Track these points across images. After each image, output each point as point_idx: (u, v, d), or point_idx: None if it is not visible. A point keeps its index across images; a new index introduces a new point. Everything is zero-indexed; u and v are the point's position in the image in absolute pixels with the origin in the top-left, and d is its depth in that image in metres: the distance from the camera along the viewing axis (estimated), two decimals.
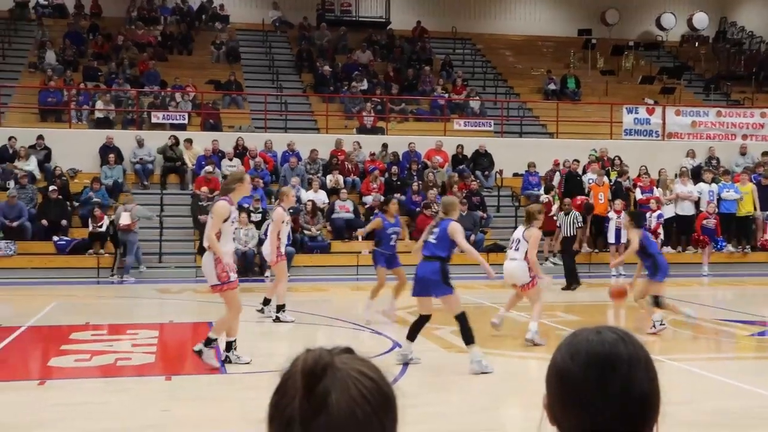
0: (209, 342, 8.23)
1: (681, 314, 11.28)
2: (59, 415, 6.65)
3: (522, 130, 25.00)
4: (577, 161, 21.07)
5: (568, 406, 1.45)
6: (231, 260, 8.22)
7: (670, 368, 8.25)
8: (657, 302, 10.86)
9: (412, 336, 8.64)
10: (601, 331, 1.50)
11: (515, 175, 22.51)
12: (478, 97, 25.90)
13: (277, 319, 11.52)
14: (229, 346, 8.47)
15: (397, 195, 20.64)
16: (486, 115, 25.08)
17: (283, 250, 11.77)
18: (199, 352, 8.23)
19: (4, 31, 26.39)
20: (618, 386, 1.43)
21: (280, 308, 11.60)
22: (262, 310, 11.90)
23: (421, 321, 8.63)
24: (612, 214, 19.02)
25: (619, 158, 22.12)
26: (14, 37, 26.37)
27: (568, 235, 16.31)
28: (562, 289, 15.75)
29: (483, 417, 6.80)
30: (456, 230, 8.35)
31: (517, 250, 10.11)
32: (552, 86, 27.21)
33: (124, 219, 17.44)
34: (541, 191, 20.90)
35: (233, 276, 8.14)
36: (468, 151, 22.53)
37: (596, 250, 19.87)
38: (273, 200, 19.99)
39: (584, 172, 21.10)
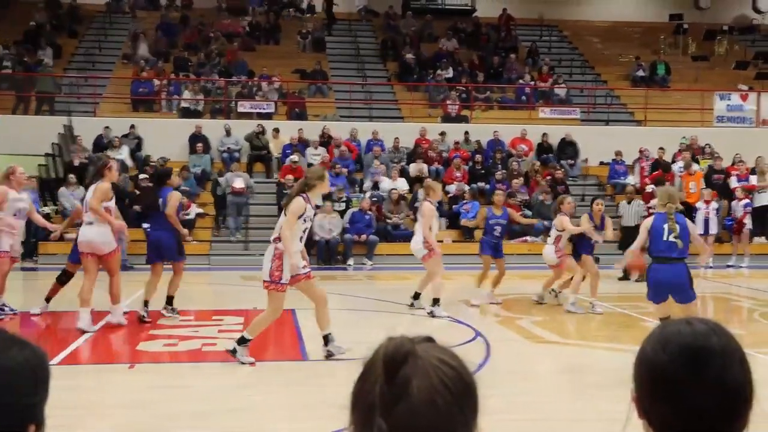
0: (243, 341, 7.93)
1: None
2: (149, 397, 6.84)
3: (609, 117, 24.52)
4: (662, 149, 20.55)
5: (659, 398, 1.42)
6: (298, 260, 7.83)
7: (762, 362, 7.97)
8: None
9: None
10: (692, 323, 1.46)
11: (602, 163, 22.10)
12: (564, 85, 25.50)
13: (431, 314, 11.00)
14: (326, 339, 8.18)
15: (482, 184, 20.60)
16: (572, 103, 24.68)
17: (434, 244, 11.38)
18: (233, 351, 7.91)
19: (101, 25, 27.26)
20: (713, 378, 1.39)
21: (436, 302, 11.10)
22: (411, 305, 11.66)
23: None
24: (701, 204, 18.47)
25: (710, 146, 21.48)
26: (109, 29, 27.21)
27: (631, 224, 15.38)
28: (619, 279, 14.93)
29: (566, 407, 6.71)
30: (694, 227, 7.63)
31: (549, 236, 11.87)
32: (641, 73, 26.59)
33: (239, 183, 18.62)
34: (628, 179, 20.47)
35: (285, 278, 7.76)
36: (553, 140, 22.22)
37: None
38: (356, 188, 20.14)
39: (674, 160, 20.56)
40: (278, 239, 7.77)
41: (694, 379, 1.39)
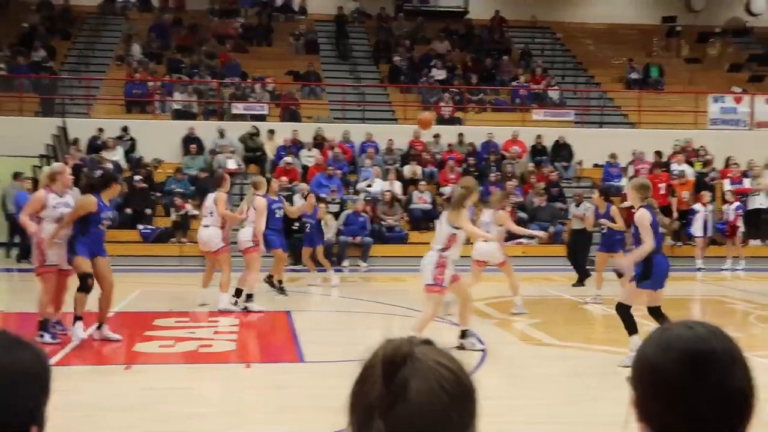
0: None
1: None
2: (144, 399, 6.84)
3: (602, 120, 24.56)
4: (660, 152, 20.63)
5: (660, 402, 1.42)
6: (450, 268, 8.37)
7: (759, 365, 7.99)
8: None
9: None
10: (693, 326, 1.46)
11: (596, 166, 22.14)
12: (557, 87, 25.54)
13: (246, 309, 11.49)
14: (464, 334, 8.79)
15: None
16: (566, 105, 24.72)
17: (261, 240, 11.91)
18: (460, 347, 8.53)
19: (94, 26, 27.19)
20: (715, 383, 1.39)
21: (249, 297, 11.66)
22: (235, 303, 11.67)
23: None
24: (698, 206, 18.51)
25: (704, 149, 21.55)
26: (102, 31, 27.14)
27: (578, 227, 14.74)
28: (573, 285, 14.80)
29: (563, 410, 6.72)
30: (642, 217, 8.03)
31: (488, 232, 11.10)
32: (634, 75, 26.64)
33: (231, 164, 19.20)
34: (622, 181, 20.54)
35: (446, 282, 8.34)
36: (547, 142, 22.25)
37: (679, 244, 19.42)
38: (350, 190, 20.14)
39: (669, 162, 20.66)
40: (444, 248, 8.34)
41: (696, 383, 1.39)
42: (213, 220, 11.49)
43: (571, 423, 6.37)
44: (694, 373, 1.40)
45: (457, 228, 8.37)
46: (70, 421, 5.86)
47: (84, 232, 8.97)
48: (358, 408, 1.27)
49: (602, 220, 12.68)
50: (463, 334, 8.81)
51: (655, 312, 8.04)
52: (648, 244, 7.80)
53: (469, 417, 1.27)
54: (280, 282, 13.21)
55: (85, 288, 8.88)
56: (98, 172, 18.85)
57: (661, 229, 8.00)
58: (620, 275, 12.14)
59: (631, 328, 8.01)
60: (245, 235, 11.70)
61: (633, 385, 1.47)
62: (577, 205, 15.27)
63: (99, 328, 9.20)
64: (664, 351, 1.43)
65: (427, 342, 1.32)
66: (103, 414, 6.40)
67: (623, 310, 8.07)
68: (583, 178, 21.87)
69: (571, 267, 15.11)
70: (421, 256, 8.85)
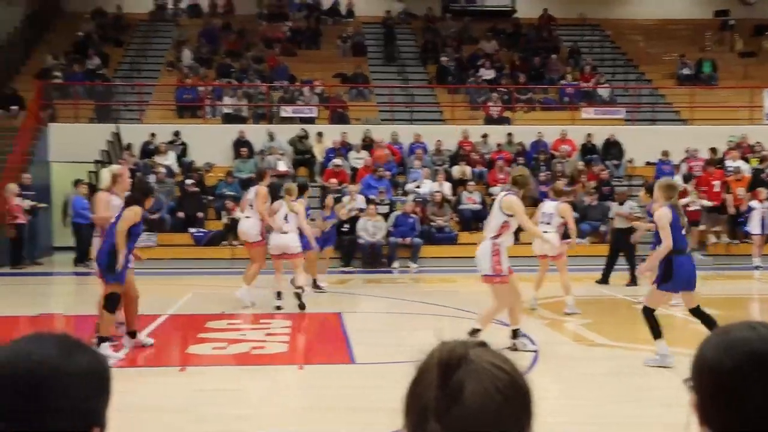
0: (476, 331, 8.21)
1: None
2: (199, 400, 6.92)
3: (654, 117, 24.19)
4: (714, 149, 20.27)
5: (723, 406, 1.39)
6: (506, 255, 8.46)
7: None
8: None
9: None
10: (756, 327, 1.43)
11: (648, 163, 21.82)
12: (607, 85, 25.23)
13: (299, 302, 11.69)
14: (515, 333, 8.72)
15: None
16: (616, 103, 24.41)
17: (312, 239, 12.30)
18: (513, 347, 8.46)
19: (145, 33, 27.63)
20: None
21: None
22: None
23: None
24: (755, 203, 18.11)
25: (760, 144, 21.11)
26: (154, 37, 27.55)
27: (622, 226, 14.46)
28: (596, 281, 14.73)
29: (618, 409, 6.65)
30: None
31: (549, 223, 11.35)
32: (686, 71, 26.19)
33: (282, 166, 19.43)
34: (674, 179, 20.25)
35: (506, 270, 8.34)
36: (598, 140, 22.00)
37: (736, 242, 19.04)
38: (399, 191, 20.15)
39: (723, 158, 20.29)
40: (497, 236, 8.38)
41: (759, 384, 1.36)
42: (254, 212, 11.82)
43: (614, 423, 6.29)
44: (757, 374, 1.36)
45: (509, 215, 8.34)
46: (125, 421, 5.94)
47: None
48: (413, 410, 1.27)
49: (635, 223, 12.79)
50: (514, 334, 8.74)
51: (696, 312, 7.86)
52: (666, 244, 7.63)
53: (525, 418, 1.27)
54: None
55: (112, 308, 8.44)
56: (151, 177, 19.27)
57: (684, 230, 7.84)
58: None
59: (656, 332, 7.86)
60: (293, 241, 11.65)
61: (693, 387, 1.44)
62: (621, 203, 15.07)
63: (133, 336, 8.90)
64: (725, 352, 1.40)
65: (482, 344, 1.31)
66: (157, 415, 6.50)
67: (647, 313, 7.93)
68: (635, 176, 21.58)
69: (613, 265, 14.84)
70: (472, 257, 8.81)
